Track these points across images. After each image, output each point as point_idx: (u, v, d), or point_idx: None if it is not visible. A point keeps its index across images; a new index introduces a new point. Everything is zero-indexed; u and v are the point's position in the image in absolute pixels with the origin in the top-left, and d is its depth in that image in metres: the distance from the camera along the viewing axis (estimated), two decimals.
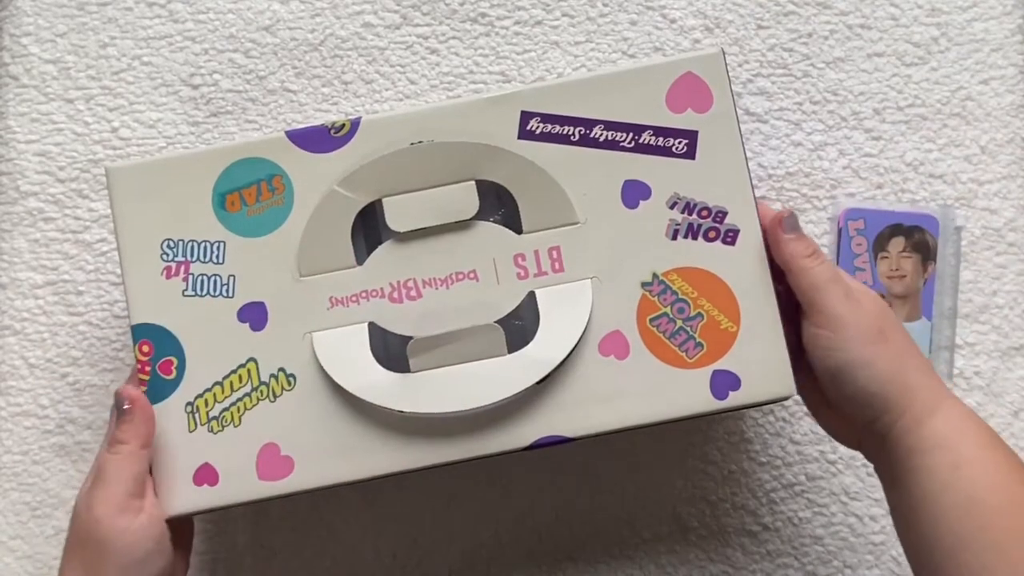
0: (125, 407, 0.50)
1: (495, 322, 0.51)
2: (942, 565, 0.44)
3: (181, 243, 0.52)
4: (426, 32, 0.65)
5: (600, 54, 0.64)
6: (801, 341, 0.50)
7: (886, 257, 0.62)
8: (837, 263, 0.62)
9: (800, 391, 0.53)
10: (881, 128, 0.64)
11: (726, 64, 0.52)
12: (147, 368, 0.51)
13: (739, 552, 0.62)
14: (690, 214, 0.51)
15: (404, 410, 0.49)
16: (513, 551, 0.62)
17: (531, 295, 0.51)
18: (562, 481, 0.62)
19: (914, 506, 0.46)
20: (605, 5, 0.65)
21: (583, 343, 0.50)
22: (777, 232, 0.50)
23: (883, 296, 0.62)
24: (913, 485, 0.46)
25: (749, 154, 0.63)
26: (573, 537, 0.62)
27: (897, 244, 0.62)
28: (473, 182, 0.51)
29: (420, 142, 0.51)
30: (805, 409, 0.62)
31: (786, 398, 0.50)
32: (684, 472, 0.62)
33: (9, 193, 0.64)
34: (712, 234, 0.51)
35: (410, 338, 0.51)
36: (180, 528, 0.52)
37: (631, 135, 0.51)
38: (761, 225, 0.51)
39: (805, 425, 0.62)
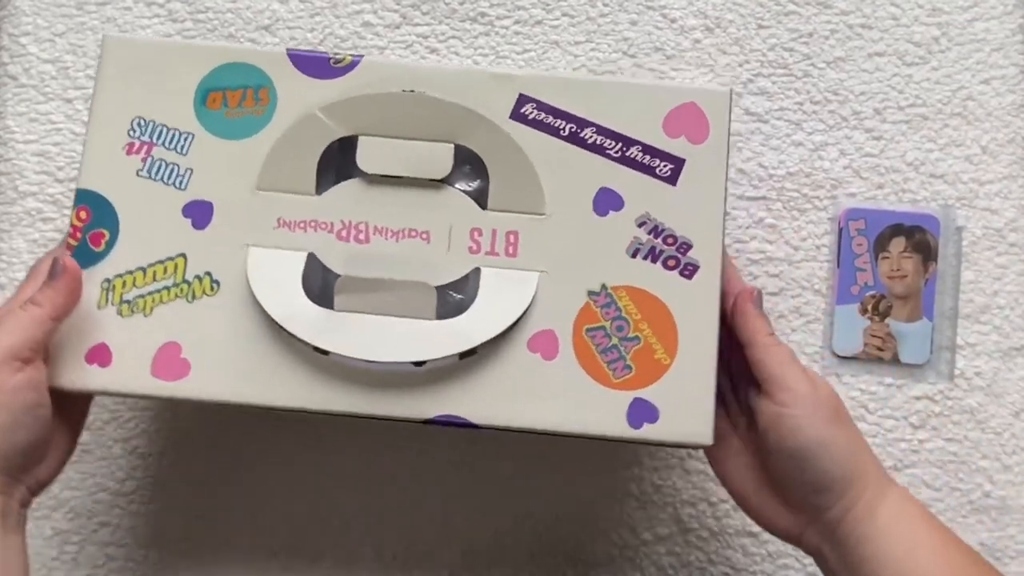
0: (58, 273, 0.48)
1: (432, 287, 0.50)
2: None
3: (152, 124, 0.52)
4: (425, 31, 0.65)
5: (600, 54, 0.64)
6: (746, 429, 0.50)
7: (887, 257, 0.62)
8: (838, 264, 0.62)
9: (731, 481, 0.52)
10: (882, 128, 0.64)
11: (731, 106, 0.51)
12: (78, 235, 0.51)
13: (740, 553, 0.62)
14: (656, 237, 0.51)
15: (316, 344, 0.49)
16: (513, 552, 0.62)
17: (476, 271, 0.50)
18: (562, 482, 0.62)
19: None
20: (605, 5, 0.65)
21: (513, 332, 0.49)
22: (747, 305, 0.50)
23: (884, 296, 0.62)
24: (869, 570, 0.46)
25: (750, 154, 0.64)
26: (573, 538, 0.62)
27: (898, 244, 0.62)
28: (452, 145, 0.51)
29: (412, 91, 0.51)
30: None
31: (700, 447, 0.49)
32: (684, 473, 0.62)
33: (7, 193, 0.64)
34: (672, 263, 0.51)
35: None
36: (70, 408, 0.51)
37: (620, 145, 0.51)
38: (726, 291, 0.51)
39: None
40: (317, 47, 0.65)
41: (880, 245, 0.62)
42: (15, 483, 0.47)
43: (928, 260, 0.62)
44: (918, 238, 0.62)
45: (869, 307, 0.62)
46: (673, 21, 0.65)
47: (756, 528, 0.62)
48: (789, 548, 0.61)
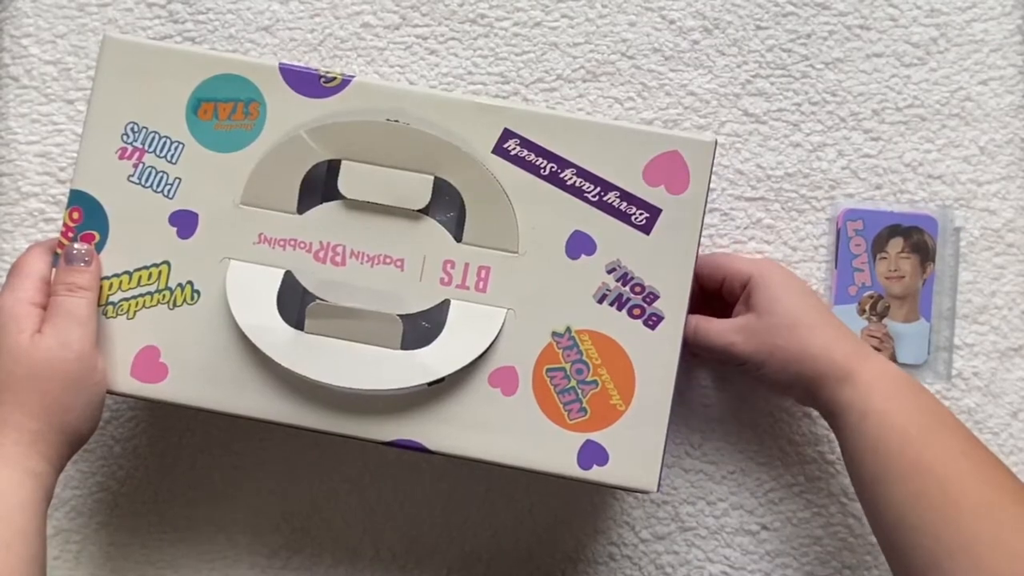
0: (87, 257, 0.51)
1: (402, 316, 0.51)
2: (864, 496, 0.52)
3: (144, 131, 0.53)
4: (425, 33, 0.65)
5: (599, 55, 0.64)
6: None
7: (885, 258, 0.62)
8: (836, 264, 0.62)
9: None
10: (880, 129, 0.64)
11: (714, 157, 0.52)
12: (69, 235, 0.52)
13: (738, 552, 0.62)
14: (624, 285, 0.51)
15: (283, 364, 0.50)
16: (512, 551, 0.62)
17: (445, 303, 0.51)
18: (562, 482, 0.62)
19: (843, 454, 0.54)
20: (604, 6, 0.65)
21: (475, 367, 0.51)
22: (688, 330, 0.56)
23: (881, 297, 0.62)
24: (840, 439, 0.54)
25: (748, 155, 0.64)
26: (572, 537, 0.62)
27: (896, 245, 0.62)
28: (432, 177, 0.51)
29: (396, 121, 0.52)
30: (804, 410, 0.62)
31: (646, 492, 0.52)
32: (683, 472, 0.62)
33: (10, 194, 0.64)
34: (637, 312, 0.51)
35: (317, 298, 0.51)
36: None
37: (598, 189, 0.52)
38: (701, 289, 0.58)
39: (804, 426, 0.62)
40: (317, 47, 0.65)
41: (878, 246, 0.62)
42: (61, 464, 0.50)
43: (926, 261, 0.62)
44: (916, 239, 0.62)
45: (867, 307, 0.62)
46: (672, 22, 0.65)
47: (754, 527, 0.62)
48: (787, 547, 0.62)
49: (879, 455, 0.51)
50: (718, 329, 0.56)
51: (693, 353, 0.59)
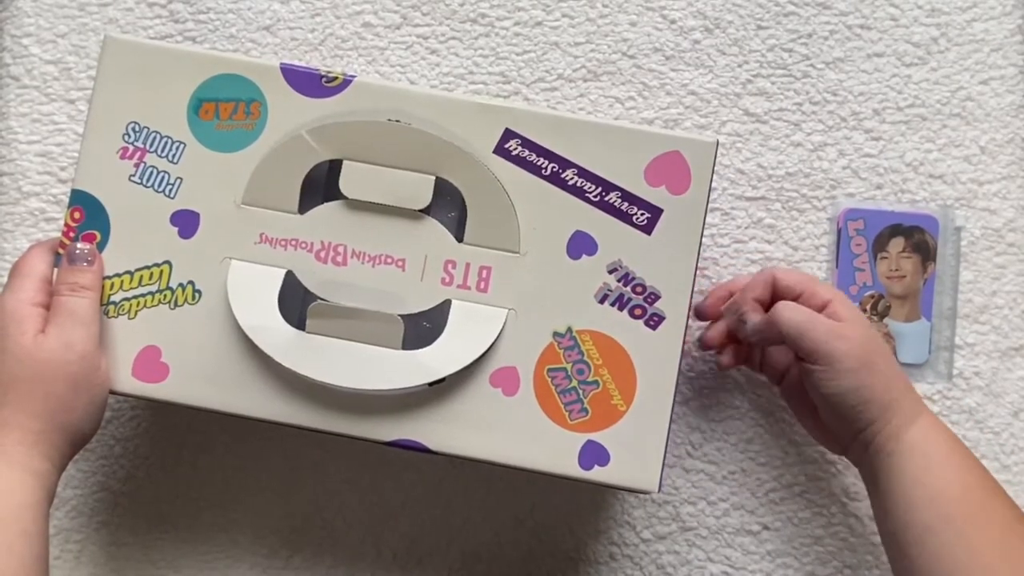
0: (90, 257, 0.51)
1: (403, 316, 0.51)
2: (910, 549, 0.50)
3: (146, 130, 0.53)
4: (426, 32, 0.65)
5: (600, 55, 0.65)
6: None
7: (886, 257, 0.62)
8: (836, 264, 0.63)
9: (792, 407, 0.59)
10: (881, 128, 0.64)
11: (716, 157, 0.52)
12: (71, 234, 0.52)
13: (739, 552, 0.62)
14: (625, 285, 0.51)
15: (284, 364, 0.50)
16: (513, 551, 0.62)
17: (446, 303, 0.51)
18: (562, 482, 0.62)
19: (890, 499, 0.51)
20: (605, 6, 0.65)
21: (476, 367, 0.51)
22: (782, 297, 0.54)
23: (882, 296, 0.62)
24: (891, 481, 0.51)
25: (749, 154, 0.64)
26: (573, 537, 0.62)
27: (897, 244, 0.62)
28: (433, 177, 0.51)
29: (398, 121, 0.52)
30: None
31: (647, 492, 0.51)
32: (684, 472, 0.62)
33: (11, 194, 0.64)
34: (638, 312, 0.51)
35: (319, 298, 0.51)
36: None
37: (600, 190, 0.52)
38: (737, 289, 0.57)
39: None
40: (318, 47, 0.65)
41: (879, 245, 0.62)
42: (63, 463, 0.50)
43: (927, 260, 0.62)
44: (917, 238, 0.62)
45: (868, 307, 0.62)
46: (673, 22, 0.65)
47: (755, 527, 0.62)
48: (789, 547, 0.62)
49: (938, 505, 0.50)
50: (823, 320, 0.52)
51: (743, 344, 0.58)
